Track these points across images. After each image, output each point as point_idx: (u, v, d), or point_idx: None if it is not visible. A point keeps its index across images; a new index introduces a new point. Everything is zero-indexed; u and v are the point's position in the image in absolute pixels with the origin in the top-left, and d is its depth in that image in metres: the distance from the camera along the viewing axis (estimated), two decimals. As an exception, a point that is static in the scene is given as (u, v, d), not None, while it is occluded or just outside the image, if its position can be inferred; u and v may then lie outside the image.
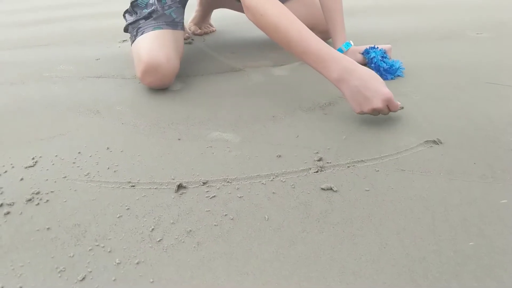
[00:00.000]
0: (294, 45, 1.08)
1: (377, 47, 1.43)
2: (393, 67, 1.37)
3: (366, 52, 1.43)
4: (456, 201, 0.79)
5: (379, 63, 1.37)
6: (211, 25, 2.06)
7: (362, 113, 1.05)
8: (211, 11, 2.02)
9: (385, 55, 1.41)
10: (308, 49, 1.06)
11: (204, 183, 0.86)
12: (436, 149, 0.95)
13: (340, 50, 1.47)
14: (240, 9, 1.83)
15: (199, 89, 1.34)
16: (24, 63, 1.69)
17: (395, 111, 1.05)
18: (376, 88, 1.01)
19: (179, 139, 1.04)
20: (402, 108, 1.07)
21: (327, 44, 1.07)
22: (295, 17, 1.10)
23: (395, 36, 1.83)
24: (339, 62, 1.04)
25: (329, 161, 0.92)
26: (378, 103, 1.00)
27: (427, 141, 0.98)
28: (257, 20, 1.13)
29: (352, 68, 1.03)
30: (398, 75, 1.38)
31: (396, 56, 1.51)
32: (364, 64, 1.43)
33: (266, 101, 1.23)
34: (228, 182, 0.87)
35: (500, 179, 0.84)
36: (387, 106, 1.03)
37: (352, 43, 1.48)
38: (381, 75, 1.36)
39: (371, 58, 1.40)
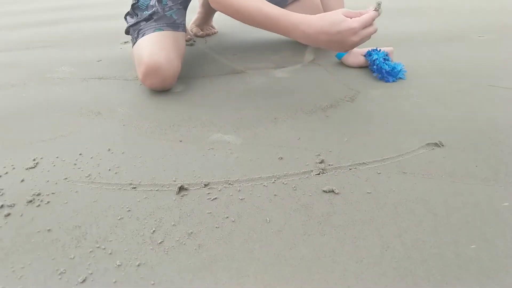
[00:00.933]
0: (258, 21, 1.11)
1: (379, 49, 1.42)
2: (395, 70, 1.37)
3: (368, 54, 1.43)
4: (458, 203, 0.78)
5: (382, 65, 1.37)
6: (213, 27, 2.06)
7: (347, 51, 1.07)
8: (213, 13, 2.02)
9: (387, 57, 1.41)
10: (268, 19, 1.09)
11: (205, 185, 0.86)
12: (438, 152, 0.95)
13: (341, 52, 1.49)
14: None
15: (201, 91, 1.34)
16: (25, 64, 1.69)
17: (375, 32, 1.05)
18: (337, 29, 1.01)
19: (181, 140, 1.04)
20: (380, 3, 1.06)
21: (284, 11, 1.09)
22: None
23: (398, 39, 1.83)
24: (295, 20, 1.06)
25: (330, 163, 0.92)
26: (350, 40, 1.02)
27: (429, 144, 0.98)
28: (218, 4, 1.17)
29: (309, 24, 1.04)
30: (400, 78, 1.38)
31: (399, 59, 1.51)
32: (366, 67, 1.45)
33: (268, 103, 1.23)
34: (229, 184, 0.86)
35: (502, 182, 0.84)
36: (361, 34, 1.03)
37: None
38: (383, 77, 1.36)
39: (373, 60, 1.40)
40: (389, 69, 1.37)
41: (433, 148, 0.96)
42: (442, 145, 0.97)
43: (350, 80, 1.37)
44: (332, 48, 1.06)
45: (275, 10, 1.09)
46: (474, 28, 1.97)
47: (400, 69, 1.38)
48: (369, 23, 1.03)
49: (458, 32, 1.92)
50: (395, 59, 1.48)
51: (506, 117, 1.09)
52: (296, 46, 1.73)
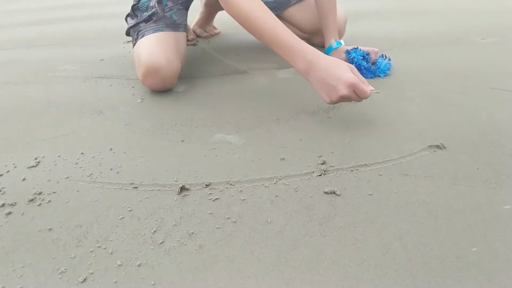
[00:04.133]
0: (265, 36, 1.10)
1: (360, 49, 1.45)
2: (376, 67, 1.42)
3: (347, 53, 1.47)
4: (460, 206, 0.78)
5: (360, 62, 1.40)
6: (215, 28, 2.06)
7: (332, 102, 1.05)
8: (216, 13, 2.02)
9: (367, 56, 1.44)
10: (277, 41, 1.08)
11: (207, 185, 0.86)
12: (439, 154, 0.95)
13: (330, 48, 1.52)
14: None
15: (203, 91, 1.34)
16: (28, 63, 1.69)
17: (365, 98, 1.03)
18: (339, 75, 1.01)
19: (183, 140, 1.04)
20: (378, 93, 1.07)
21: (295, 37, 1.08)
22: (267, 8, 1.11)
23: (400, 40, 1.83)
24: (304, 54, 1.06)
25: (332, 165, 0.92)
26: (343, 90, 1.01)
27: (430, 146, 0.98)
28: (229, 9, 1.15)
29: (316, 60, 1.05)
30: (379, 76, 1.41)
31: (401, 60, 1.51)
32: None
33: (270, 104, 1.23)
34: (231, 184, 0.86)
35: (504, 184, 0.84)
36: (355, 92, 1.02)
37: (343, 43, 1.52)
38: (362, 73, 1.40)
39: (352, 58, 1.44)
40: (367, 65, 1.41)
41: (435, 151, 0.96)
42: (444, 148, 0.97)
43: (352, 82, 1.37)
44: (321, 88, 1.05)
45: (288, 31, 1.08)
46: (477, 31, 1.96)
47: (379, 67, 1.42)
48: (365, 90, 1.02)
49: (460, 34, 1.91)
50: (397, 60, 1.48)
51: (508, 120, 1.09)
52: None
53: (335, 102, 1.05)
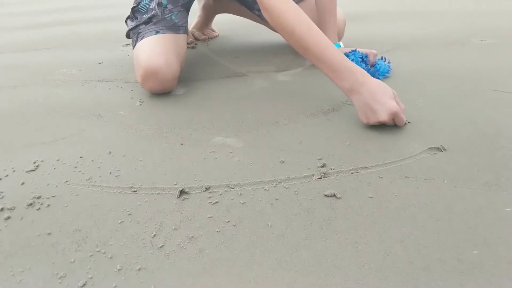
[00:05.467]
0: (309, 52, 1.09)
1: (358, 51, 1.45)
2: (375, 69, 1.42)
3: (346, 55, 1.45)
4: (460, 209, 0.78)
5: (358, 64, 1.40)
6: (213, 30, 2.07)
7: (368, 124, 1.06)
8: (214, 16, 2.02)
9: (365, 59, 1.44)
10: (323, 57, 1.07)
11: (206, 189, 0.86)
12: (440, 156, 0.95)
13: None
14: (243, 14, 1.83)
15: (202, 93, 1.34)
16: (26, 66, 1.69)
17: (400, 125, 1.06)
18: (384, 102, 1.02)
19: (182, 144, 1.04)
20: (408, 123, 1.08)
21: (341, 54, 1.08)
22: (311, 21, 1.11)
23: (399, 42, 1.83)
24: (351, 73, 1.06)
25: (332, 168, 0.92)
26: (384, 117, 1.02)
27: (431, 148, 0.97)
28: (273, 21, 1.13)
29: (363, 80, 1.05)
30: (378, 78, 1.41)
31: (399, 62, 1.51)
32: None
33: (269, 107, 1.22)
34: (230, 188, 0.86)
35: (504, 187, 0.84)
36: (393, 119, 1.04)
37: (342, 45, 1.53)
38: None
39: (350, 61, 1.42)
40: (366, 67, 1.40)
41: (435, 153, 0.96)
42: (444, 150, 0.97)
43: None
44: (362, 109, 1.05)
45: (335, 49, 1.08)
46: (476, 32, 1.96)
47: (379, 69, 1.42)
48: (404, 119, 1.05)
49: (460, 36, 1.91)
50: (397, 62, 1.48)
51: (508, 122, 1.09)
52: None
53: (372, 124, 1.06)
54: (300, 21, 1.10)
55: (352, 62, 1.08)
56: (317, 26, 1.57)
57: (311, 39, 1.08)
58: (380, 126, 1.07)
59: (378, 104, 1.02)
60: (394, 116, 1.03)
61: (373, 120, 1.04)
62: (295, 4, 1.12)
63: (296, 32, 1.09)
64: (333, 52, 1.07)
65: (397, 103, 1.05)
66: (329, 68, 1.08)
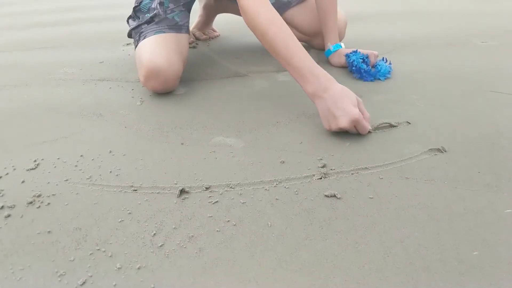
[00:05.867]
0: (279, 54, 1.09)
1: (359, 52, 1.46)
2: (376, 70, 1.42)
3: (347, 56, 1.48)
4: (460, 210, 0.78)
5: (360, 65, 1.41)
6: (214, 30, 2.07)
7: (330, 130, 1.05)
8: (215, 15, 2.02)
9: (367, 59, 1.44)
10: (291, 60, 1.07)
11: (206, 188, 0.86)
12: (440, 157, 0.95)
13: (329, 51, 1.54)
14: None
15: (203, 93, 1.34)
16: (27, 65, 1.69)
17: (363, 134, 1.04)
18: (345, 108, 1.00)
19: (182, 143, 1.04)
20: (371, 132, 1.06)
21: (309, 58, 1.08)
22: (285, 25, 1.11)
23: (400, 43, 1.83)
24: (316, 78, 1.05)
25: (332, 168, 0.92)
26: (344, 123, 1.00)
27: (431, 149, 0.97)
28: (248, 22, 1.14)
29: (326, 86, 1.04)
30: (379, 78, 1.41)
31: (400, 63, 1.51)
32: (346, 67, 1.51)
33: (270, 107, 1.22)
34: (231, 187, 0.86)
35: (505, 188, 0.84)
36: (355, 127, 1.02)
37: (343, 45, 1.54)
38: (362, 76, 1.41)
39: (351, 62, 1.45)
40: (367, 68, 1.41)
41: (436, 154, 0.96)
42: (445, 151, 0.97)
43: (352, 84, 1.37)
44: (324, 114, 1.05)
45: (304, 52, 1.08)
46: (477, 33, 1.96)
47: (380, 69, 1.42)
48: (366, 126, 1.02)
49: (461, 37, 1.92)
50: (398, 62, 1.48)
51: (509, 123, 1.09)
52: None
53: (334, 131, 1.05)
54: (272, 23, 1.10)
55: (319, 68, 1.07)
56: (318, 26, 1.58)
57: (281, 43, 1.08)
58: (381, 128, 1.07)
59: (340, 110, 1.01)
60: (356, 123, 1.01)
61: (334, 126, 1.02)
62: (271, 6, 1.12)
63: (268, 34, 1.09)
64: (301, 56, 1.07)
65: (361, 111, 1.04)
66: (295, 72, 1.08)
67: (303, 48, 1.09)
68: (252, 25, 1.13)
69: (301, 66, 1.06)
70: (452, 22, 2.22)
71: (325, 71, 1.07)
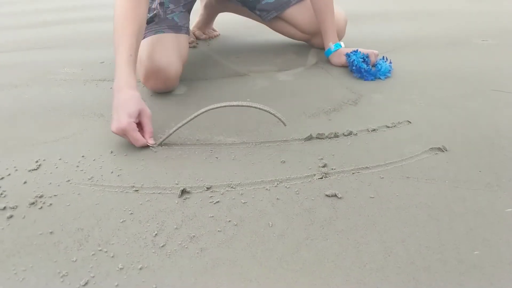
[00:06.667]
0: (113, 41, 1.12)
1: (360, 51, 1.47)
2: (377, 69, 1.42)
3: (347, 56, 1.49)
4: (461, 209, 0.78)
5: (360, 65, 1.42)
6: (214, 30, 2.06)
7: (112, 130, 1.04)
8: (215, 15, 2.02)
9: (367, 59, 1.44)
10: (115, 54, 1.09)
11: (207, 189, 0.86)
12: (441, 157, 0.95)
13: (329, 51, 1.55)
14: (244, 13, 1.83)
15: (204, 93, 1.34)
16: (28, 65, 1.69)
17: (138, 146, 1.02)
18: (120, 115, 1.00)
19: (183, 143, 1.04)
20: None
21: (129, 57, 1.08)
22: (134, 21, 1.12)
23: (400, 42, 1.83)
24: (117, 77, 1.06)
25: (333, 168, 0.92)
26: (113, 128, 1.00)
27: (432, 149, 0.98)
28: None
29: (119, 88, 1.04)
30: (379, 78, 1.42)
31: (400, 62, 1.51)
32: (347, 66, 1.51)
33: (271, 106, 1.22)
34: (232, 187, 0.86)
35: (505, 187, 0.84)
36: (127, 136, 1.02)
37: (342, 45, 1.55)
38: (362, 76, 1.42)
39: (352, 61, 1.45)
40: (367, 68, 1.41)
41: (436, 153, 0.96)
42: (445, 150, 0.97)
43: (353, 84, 1.37)
44: (112, 111, 1.05)
45: (124, 55, 1.08)
46: (477, 33, 1.96)
47: (380, 69, 1.42)
48: (137, 138, 1.01)
49: (461, 36, 1.91)
50: (398, 62, 1.48)
51: (509, 122, 1.09)
52: (299, 50, 1.73)
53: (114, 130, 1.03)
54: (120, 17, 1.13)
55: (125, 70, 1.07)
56: (318, 25, 1.58)
57: (116, 37, 1.11)
58: (381, 125, 1.07)
59: (115, 115, 1.01)
60: (125, 133, 1.00)
61: (111, 128, 1.02)
62: (132, 2, 1.13)
63: (113, 27, 1.13)
64: (123, 52, 1.08)
65: (143, 124, 1.03)
66: (115, 67, 1.09)
67: (132, 45, 1.09)
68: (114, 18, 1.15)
69: (117, 63, 1.08)
70: (452, 22, 2.21)
71: (133, 75, 1.08)
